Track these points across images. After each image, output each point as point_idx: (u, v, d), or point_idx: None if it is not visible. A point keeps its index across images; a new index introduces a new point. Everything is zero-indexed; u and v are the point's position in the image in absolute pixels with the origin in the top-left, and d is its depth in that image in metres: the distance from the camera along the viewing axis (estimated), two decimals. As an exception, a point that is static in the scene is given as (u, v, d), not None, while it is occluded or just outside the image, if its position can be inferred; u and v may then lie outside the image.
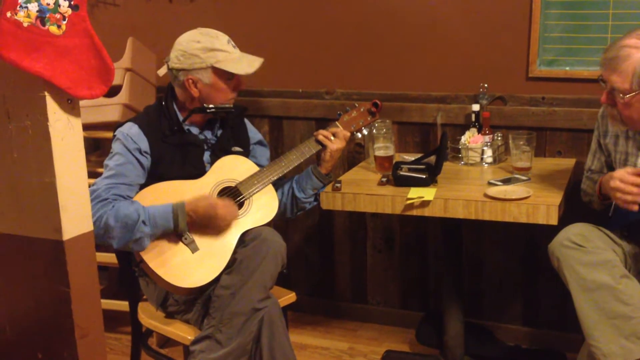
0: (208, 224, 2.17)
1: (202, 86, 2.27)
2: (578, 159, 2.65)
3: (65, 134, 1.42)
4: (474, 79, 2.79)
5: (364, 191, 2.43)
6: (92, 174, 2.37)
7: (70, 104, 1.42)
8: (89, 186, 2.17)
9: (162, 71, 2.37)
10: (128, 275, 2.38)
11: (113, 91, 2.93)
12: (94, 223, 2.05)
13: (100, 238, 2.08)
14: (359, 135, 2.53)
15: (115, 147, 2.24)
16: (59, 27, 1.34)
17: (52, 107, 1.39)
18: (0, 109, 1.41)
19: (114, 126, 2.36)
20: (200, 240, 2.19)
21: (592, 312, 2.01)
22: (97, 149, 3.30)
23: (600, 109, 2.29)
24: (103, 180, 2.17)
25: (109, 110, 2.92)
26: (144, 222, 2.09)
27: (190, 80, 2.27)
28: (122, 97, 2.94)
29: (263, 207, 2.30)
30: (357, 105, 2.51)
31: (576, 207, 2.42)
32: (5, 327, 1.53)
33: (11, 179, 1.45)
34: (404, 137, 2.96)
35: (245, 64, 2.29)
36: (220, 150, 2.36)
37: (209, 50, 2.25)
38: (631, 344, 1.94)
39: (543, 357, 2.76)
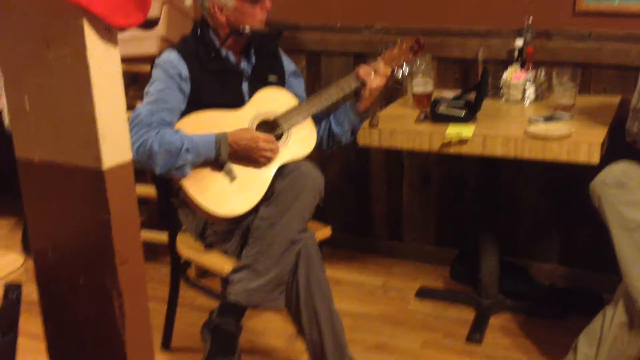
0: (248, 156, 2.19)
1: (227, 11, 2.26)
2: (624, 96, 2.58)
3: (103, 63, 1.42)
4: (518, 12, 2.70)
5: (401, 128, 2.41)
6: (131, 107, 2.38)
7: (107, 33, 1.41)
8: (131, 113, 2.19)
9: (189, 1, 2.35)
10: (167, 207, 2.42)
11: (150, 24, 2.92)
12: (138, 148, 2.09)
13: (144, 163, 2.12)
14: (400, 72, 2.48)
15: (156, 73, 2.24)
16: (95, -48, 1.33)
17: (90, 36, 1.38)
18: (39, 37, 1.41)
19: (151, 59, 2.35)
20: (239, 170, 2.21)
21: (631, 252, 1.99)
22: (135, 82, 3.31)
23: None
24: (145, 106, 2.19)
25: (146, 43, 2.92)
26: (187, 150, 2.11)
27: (215, 7, 2.26)
28: (160, 29, 2.93)
29: (301, 140, 2.30)
30: (399, 41, 2.44)
31: (620, 147, 2.36)
32: (47, 253, 1.58)
33: (51, 107, 1.46)
34: (443, 73, 2.91)
35: None
36: (257, 80, 2.35)
37: None
38: (670, 284, 1.92)
39: (579, 296, 2.75)
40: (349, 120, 2.40)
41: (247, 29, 2.27)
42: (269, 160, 2.21)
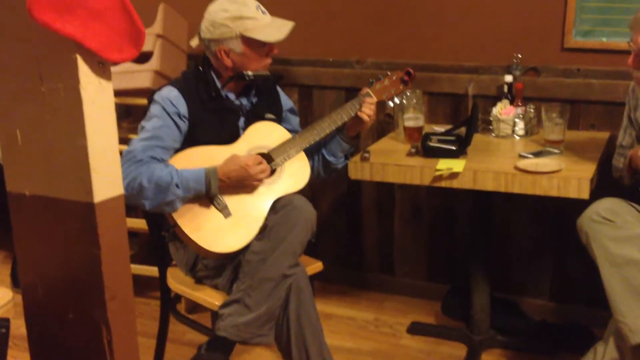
0: (242, 185, 2.19)
1: (234, 56, 2.26)
2: (612, 132, 2.61)
3: (97, 97, 1.43)
4: (508, 49, 2.75)
5: (392, 161, 2.42)
6: (124, 140, 2.39)
7: (101, 67, 1.43)
8: (125, 147, 2.19)
9: (195, 42, 2.36)
10: (158, 241, 2.41)
11: (144, 57, 2.94)
12: (129, 183, 2.08)
13: (134, 199, 2.11)
14: (391, 103, 2.50)
15: (154, 109, 2.23)
16: (90, -11, 1.35)
17: (84, 70, 1.40)
18: (33, 71, 1.42)
19: (145, 92, 2.37)
20: (233, 206, 2.20)
21: (620, 288, 2.00)
22: (128, 115, 3.33)
23: (632, 82, 2.25)
24: (139, 141, 2.18)
25: (140, 76, 2.93)
26: (176, 185, 2.11)
27: (222, 51, 2.26)
28: (153, 63, 2.95)
29: (295, 174, 2.30)
30: (389, 73, 2.47)
31: (608, 182, 2.38)
32: (37, 288, 1.56)
33: (43, 141, 1.46)
34: (434, 107, 2.93)
35: (274, 30, 2.27)
36: (254, 117, 2.36)
37: (237, 19, 2.23)
38: (660, 320, 1.92)
39: (570, 332, 2.74)
40: (342, 149, 2.43)
41: (250, 73, 2.28)
42: (261, 181, 2.22)
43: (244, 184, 2.19)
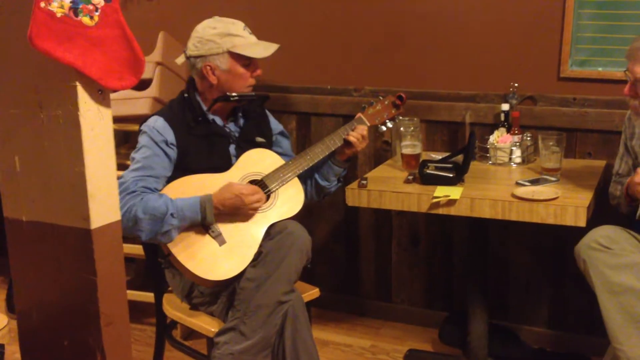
0: (236, 212, 2.19)
1: (220, 73, 2.29)
2: (608, 161, 2.62)
3: (96, 124, 1.44)
4: (504, 78, 2.77)
5: (390, 189, 2.43)
6: (122, 166, 2.40)
7: (101, 95, 1.44)
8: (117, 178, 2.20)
9: (180, 60, 2.38)
10: (154, 267, 2.41)
11: (143, 85, 2.96)
12: (123, 215, 2.07)
13: (129, 230, 2.11)
14: (384, 128, 2.53)
15: (142, 140, 2.25)
16: (91, 18, 1.36)
17: (83, 97, 1.41)
18: (32, 98, 1.43)
19: (143, 120, 2.38)
20: (227, 233, 2.20)
21: (617, 315, 1.99)
22: (126, 141, 3.34)
23: (628, 111, 2.26)
24: (130, 172, 2.19)
25: (139, 103, 2.95)
26: (172, 215, 2.11)
27: (208, 67, 2.28)
28: (153, 90, 2.97)
29: (289, 200, 2.31)
30: (381, 98, 2.51)
31: (605, 210, 2.39)
32: (32, 314, 1.56)
33: (42, 167, 1.47)
34: (431, 135, 2.95)
35: (261, 48, 2.31)
36: (244, 141, 2.37)
37: (225, 36, 2.27)
38: (658, 349, 1.92)
39: (568, 360, 2.73)
40: (334, 172, 2.44)
41: (235, 94, 2.30)
42: (257, 210, 2.22)
43: (238, 212, 2.19)
